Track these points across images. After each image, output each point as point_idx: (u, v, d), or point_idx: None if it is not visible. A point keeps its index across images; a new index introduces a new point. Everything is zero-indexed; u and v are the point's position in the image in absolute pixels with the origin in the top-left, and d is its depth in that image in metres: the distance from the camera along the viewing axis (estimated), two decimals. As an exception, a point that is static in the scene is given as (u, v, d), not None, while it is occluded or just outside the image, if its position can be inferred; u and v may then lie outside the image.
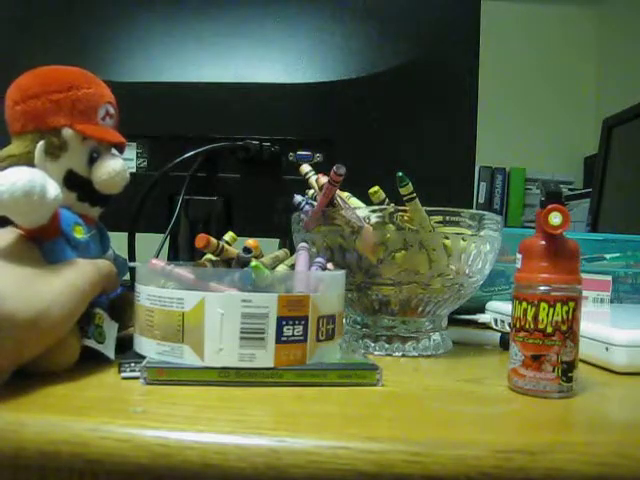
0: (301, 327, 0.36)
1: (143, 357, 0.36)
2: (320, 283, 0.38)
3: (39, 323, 0.32)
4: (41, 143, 0.38)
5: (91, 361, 0.38)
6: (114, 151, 0.42)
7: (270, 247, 0.57)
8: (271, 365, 0.35)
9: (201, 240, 0.42)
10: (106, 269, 0.39)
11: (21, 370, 0.32)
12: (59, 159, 0.39)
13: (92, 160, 0.40)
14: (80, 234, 0.39)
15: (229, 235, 0.48)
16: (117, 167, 0.41)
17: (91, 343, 0.37)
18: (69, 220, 0.38)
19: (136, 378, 0.35)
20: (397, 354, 0.47)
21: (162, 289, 0.36)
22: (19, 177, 0.33)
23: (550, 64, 2.12)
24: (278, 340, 0.35)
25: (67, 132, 0.39)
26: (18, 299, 0.31)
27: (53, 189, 0.35)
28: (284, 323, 0.35)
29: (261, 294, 0.35)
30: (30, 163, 0.38)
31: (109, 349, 0.39)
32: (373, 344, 0.48)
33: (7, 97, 0.40)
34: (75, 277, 0.35)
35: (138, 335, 0.38)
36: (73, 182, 0.40)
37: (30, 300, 0.32)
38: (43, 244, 0.36)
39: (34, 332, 0.32)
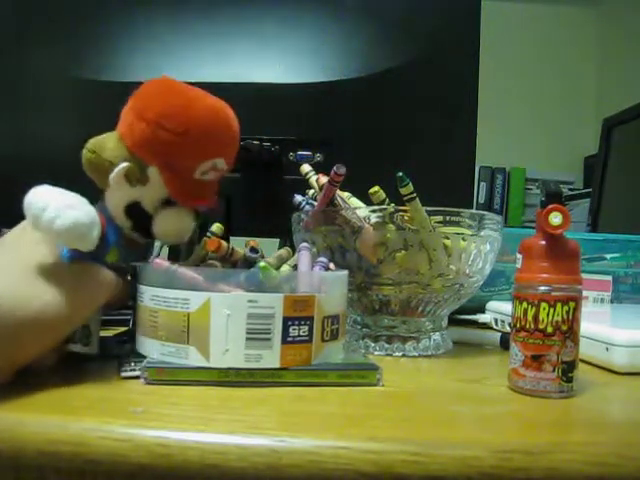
0: (307, 327, 0.36)
1: (143, 356, 0.36)
2: (324, 283, 0.38)
3: (37, 323, 0.31)
4: (123, 166, 0.36)
5: (91, 361, 0.38)
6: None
7: (270, 247, 0.57)
8: (277, 366, 0.35)
9: (212, 243, 0.42)
10: (118, 282, 0.37)
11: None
12: (133, 187, 0.37)
13: (166, 203, 0.38)
14: (113, 259, 0.37)
15: (215, 226, 0.47)
16: (182, 228, 0.39)
17: (76, 348, 0.36)
18: (109, 241, 0.36)
19: (136, 378, 0.35)
20: (397, 354, 0.47)
21: (166, 289, 0.36)
22: (69, 220, 0.32)
23: (550, 64, 2.12)
24: (284, 340, 0.35)
25: (153, 172, 0.36)
26: (16, 297, 0.31)
27: (95, 233, 0.34)
28: (290, 323, 0.35)
29: (267, 294, 0.35)
30: (107, 170, 0.36)
31: (93, 346, 0.37)
32: (373, 344, 0.48)
33: (133, 95, 0.37)
34: (83, 280, 0.35)
35: (141, 336, 0.38)
36: (135, 213, 0.37)
37: (29, 299, 0.31)
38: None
39: (32, 332, 0.31)
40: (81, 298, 0.34)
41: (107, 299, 0.36)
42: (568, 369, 0.35)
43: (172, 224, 0.38)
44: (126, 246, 0.38)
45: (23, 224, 0.37)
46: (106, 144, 0.37)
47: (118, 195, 0.37)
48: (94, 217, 0.34)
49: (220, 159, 0.38)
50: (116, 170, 0.36)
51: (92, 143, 0.37)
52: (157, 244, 0.44)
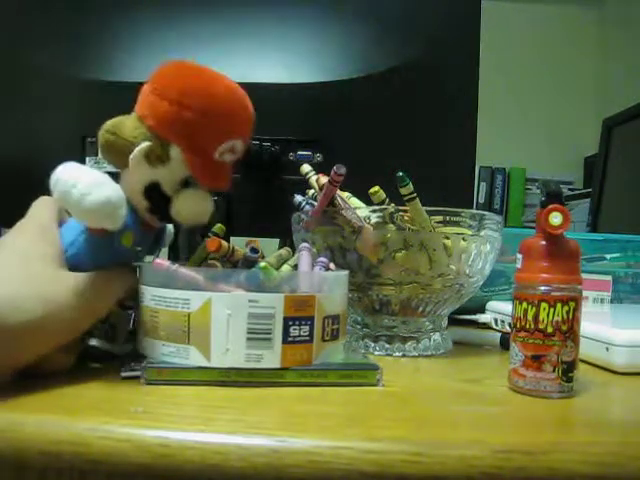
0: (307, 327, 0.36)
1: (144, 356, 0.36)
2: (324, 283, 0.38)
3: (38, 329, 0.31)
4: (145, 145, 0.36)
5: (91, 361, 0.38)
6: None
7: (270, 247, 0.57)
8: (278, 366, 0.35)
9: (213, 243, 0.41)
10: (128, 281, 0.37)
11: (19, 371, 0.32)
12: (153, 168, 0.36)
13: (184, 184, 0.37)
14: (127, 242, 0.37)
15: (217, 226, 0.47)
16: (201, 210, 0.38)
17: (99, 343, 0.36)
18: (126, 223, 0.36)
19: (136, 378, 0.35)
20: (397, 354, 0.47)
21: (167, 289, 0.36)
22: (101, 198, 0.32)
23: (550, 64, 2.12)
24: (285, 340, 0.35)
25: (175, 151, 0.36)
26: (16, 302, 0.31)
27: (123, 211, 0.34)
28: (290, 323, 0.35)
29: (268, 294, 0.35)
30: (126, 150, 0.36)
31: (116, 343, 0.37)
32: (373, 344, 0.48)
33: (152, 76, 0.37)
34: (86, 286, 0.34)
35: (141, 336, 0.38)
36: (153, 194, 0.37)
37: (30, 304, 0.31)
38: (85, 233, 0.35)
39: (28, 337, 0.31)
40: (85, 305, 0.34)
41: (113, 303, 0.36)
42: (568, 369, 0.35)
43: (191, 205, 0.38)
44: (141, 229, 0.38)
45: (21, 222, 0.37)
46: (125, 125, 0.36)
47: (137, 175, 0.36)
48: (122, 195, 0.34)
49: (238, 140, 0.38)
50: (137, 149, 0.35)
51: (110, 125, 0.36)
52: (169, 229, 0.44)
